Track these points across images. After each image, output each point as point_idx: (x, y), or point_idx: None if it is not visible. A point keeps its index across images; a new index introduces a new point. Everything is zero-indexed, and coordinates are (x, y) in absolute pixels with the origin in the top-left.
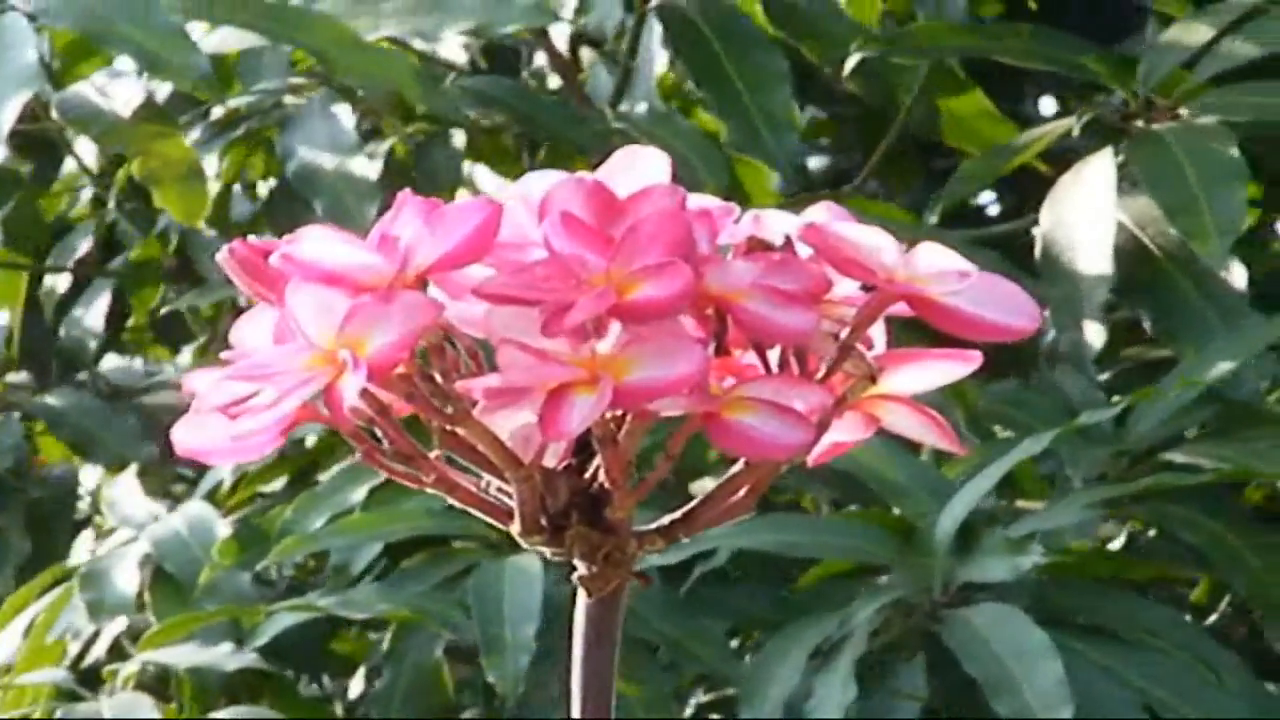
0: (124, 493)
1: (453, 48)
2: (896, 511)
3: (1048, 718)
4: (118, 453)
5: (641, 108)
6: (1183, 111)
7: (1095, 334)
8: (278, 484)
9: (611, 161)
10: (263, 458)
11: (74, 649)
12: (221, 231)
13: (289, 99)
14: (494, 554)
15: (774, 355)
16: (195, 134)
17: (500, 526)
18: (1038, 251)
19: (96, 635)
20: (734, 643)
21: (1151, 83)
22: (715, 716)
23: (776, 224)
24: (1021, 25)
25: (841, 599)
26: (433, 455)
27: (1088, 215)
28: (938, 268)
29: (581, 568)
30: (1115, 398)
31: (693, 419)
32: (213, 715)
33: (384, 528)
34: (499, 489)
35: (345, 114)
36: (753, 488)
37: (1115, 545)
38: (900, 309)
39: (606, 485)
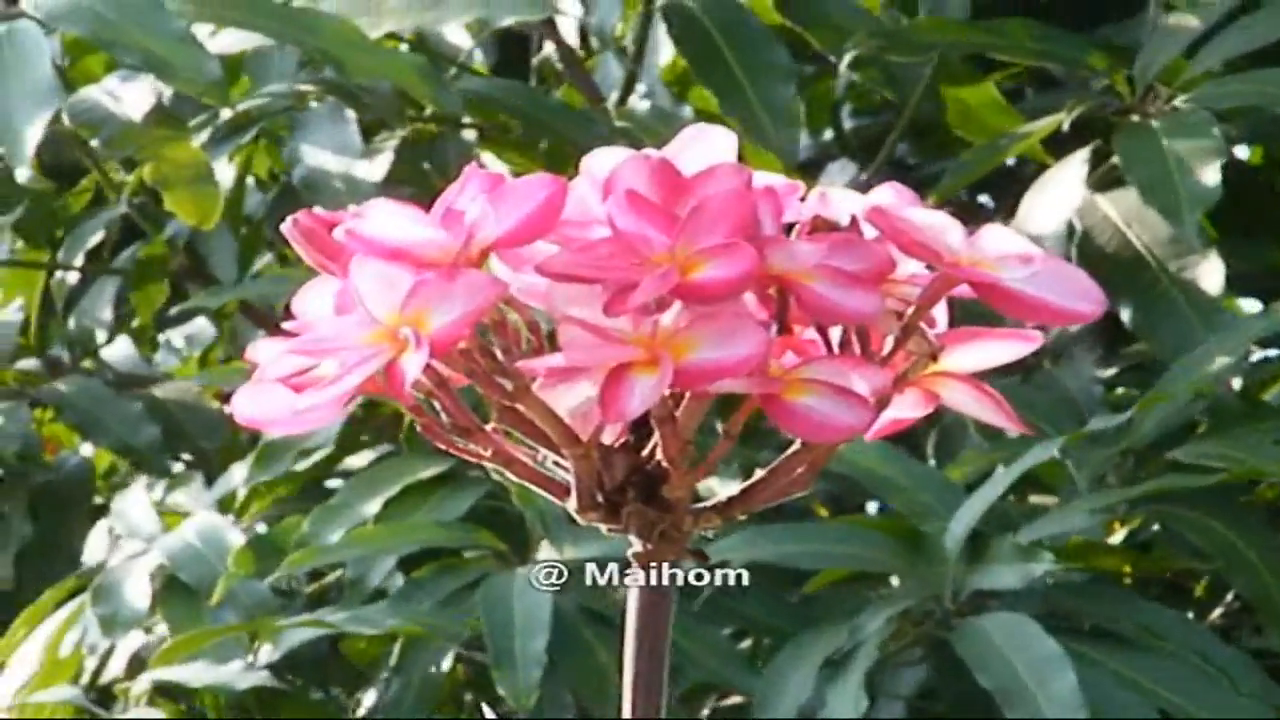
0: (132, 504)
1: (458, 36)
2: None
3: None
4: (120, 436)
5: (644, 105)
6: (1178, 103)
7: None
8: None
9: (678, 139)
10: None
11: (91, 664)
12: (234, 228)
13: (297, 103)
14: (503, 565)
15: (835, 333)
16: (204, 136)
17: (555, 501)
18: None
19: (112, 649)
20: (745, 645)
21: (1149, 76)
22: None
23: (842, 204)
24: (1021, 20)
25: (851, 606)
26: (490, 429)
27: (1053, 206)
28: (1002, 251)
29: (636, 544)
30: (1118, 390)
31: (752, 399)
32: None
33: (397, 540)
34: (555, 463)
35: (352, 118)
36: (810, 466)
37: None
38: (962, 289)
39: (664, 463)
